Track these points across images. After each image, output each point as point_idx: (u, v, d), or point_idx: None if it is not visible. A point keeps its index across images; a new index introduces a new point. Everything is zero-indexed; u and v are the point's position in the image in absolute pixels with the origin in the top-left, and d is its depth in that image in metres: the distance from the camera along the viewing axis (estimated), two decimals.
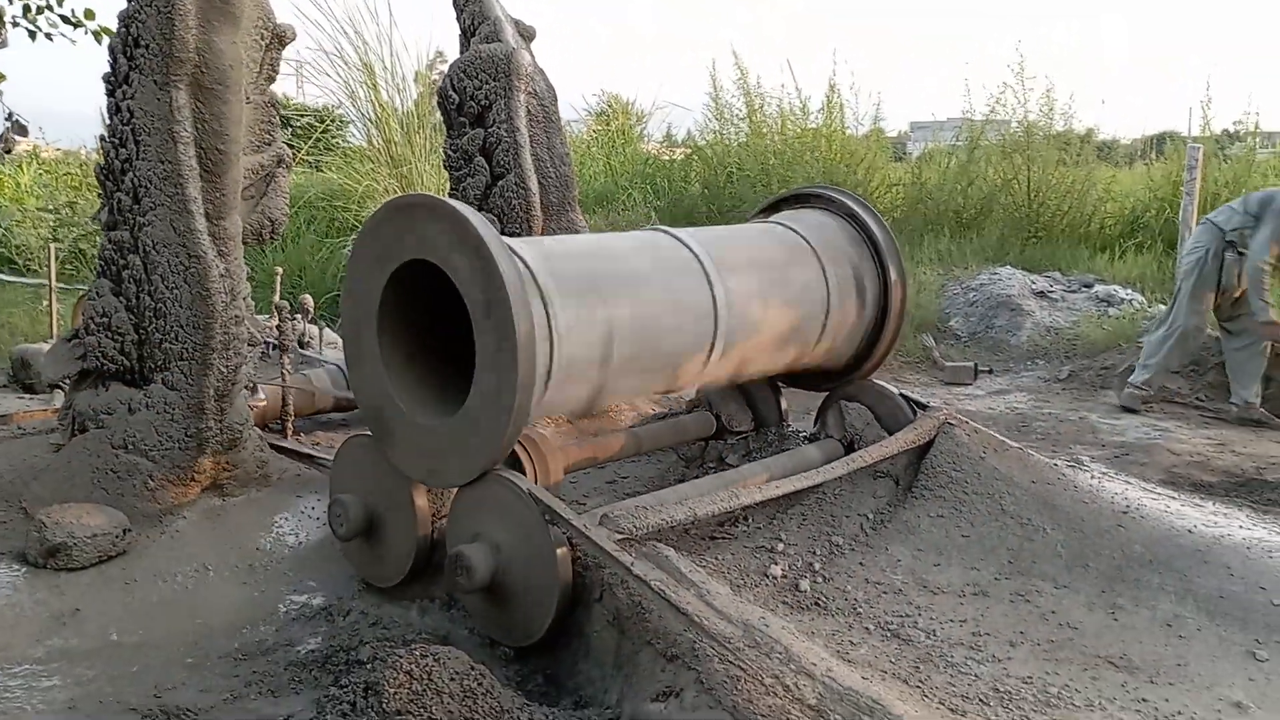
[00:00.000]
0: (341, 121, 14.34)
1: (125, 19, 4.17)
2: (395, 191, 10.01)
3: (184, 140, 4.08)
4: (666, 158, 14.43)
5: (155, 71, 4.05)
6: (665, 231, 3.99)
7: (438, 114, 11.38)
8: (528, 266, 3.29)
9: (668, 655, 2.63)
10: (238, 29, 4.24)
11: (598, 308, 3.46)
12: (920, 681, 2.78)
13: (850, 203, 4.51)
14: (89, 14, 6.61)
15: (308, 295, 7.11)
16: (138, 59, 4.09)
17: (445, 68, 11.60)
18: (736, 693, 2.41)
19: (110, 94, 4.26)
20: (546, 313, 3.25)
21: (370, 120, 10.81)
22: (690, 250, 3.86)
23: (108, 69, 4.28)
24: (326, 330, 6.79)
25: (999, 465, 3.86)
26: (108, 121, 4.30)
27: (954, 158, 11.94)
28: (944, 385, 7.40)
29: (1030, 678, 2.84)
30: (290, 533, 4.14)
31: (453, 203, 3.22)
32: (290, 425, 5.16)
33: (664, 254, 3.82)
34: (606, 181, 12.26)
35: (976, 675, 2.85)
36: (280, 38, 4.66)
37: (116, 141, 4.23)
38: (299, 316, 6.52)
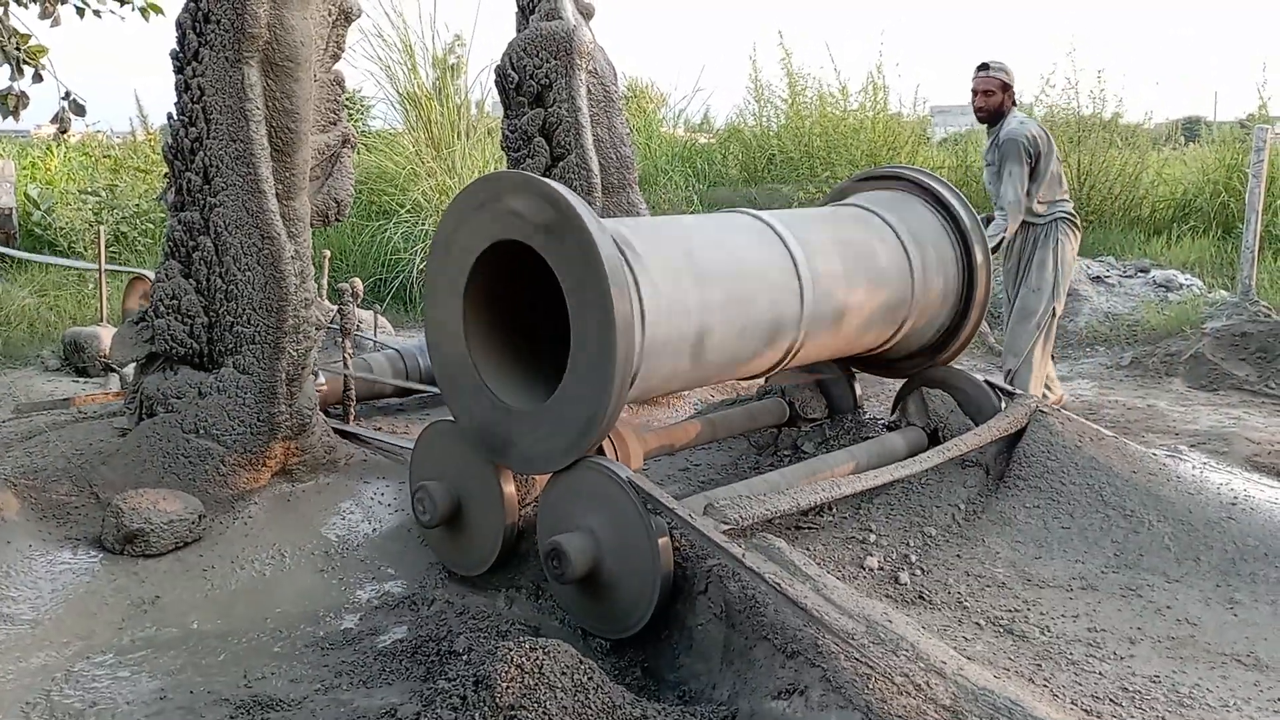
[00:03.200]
0: (365, 105, 14.27)
1: None
2: (438, 174, 9.91)
3: (256, 119, 3.99)
4: (702, 141, 14.29)
5: (226, 48, 3.96)
6: (749, 214, 3.88)
7: (476, 95, 11.35)
8: (620, 248, 3.18)
9: (787, 651, 2.53)
10: (308, 4, 4.14)
11: (689, 290, 3.35)
12: (1045, 680, 2.67)
13: (932, 183, 4.38)
14: None
15: (357, 279, 7.05)
16: (208, 35, 4.00)
17: (464, 51, 11.48)
18: (868, 692, 2.31)
19: (179, 71, 4.18)
20: (639, 295, 3.15)
21: (409, 101, 10.70)
22: (776, 233, 3.75)
23: (175, 45, 4.20)
24: (380, 317, 6.72)
25: (1097, 455, 3.74)
26: (176, 99, 4.21)
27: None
28: (1002, 371, 7.24)
29: (1158, 677, 2.73)
30: (362, 519, 4.07)
31: (547, 181, 3.12)
32: (353, 410, 5.08)
33: (751, 236, 3.71)
34: (646, 164, 12.12)
35: (1101, 674, 2.74)
36: (346, 14, 4.56)
37: (186, 120, 4.14)
38: (351, 301, 6.45)
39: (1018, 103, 5.67)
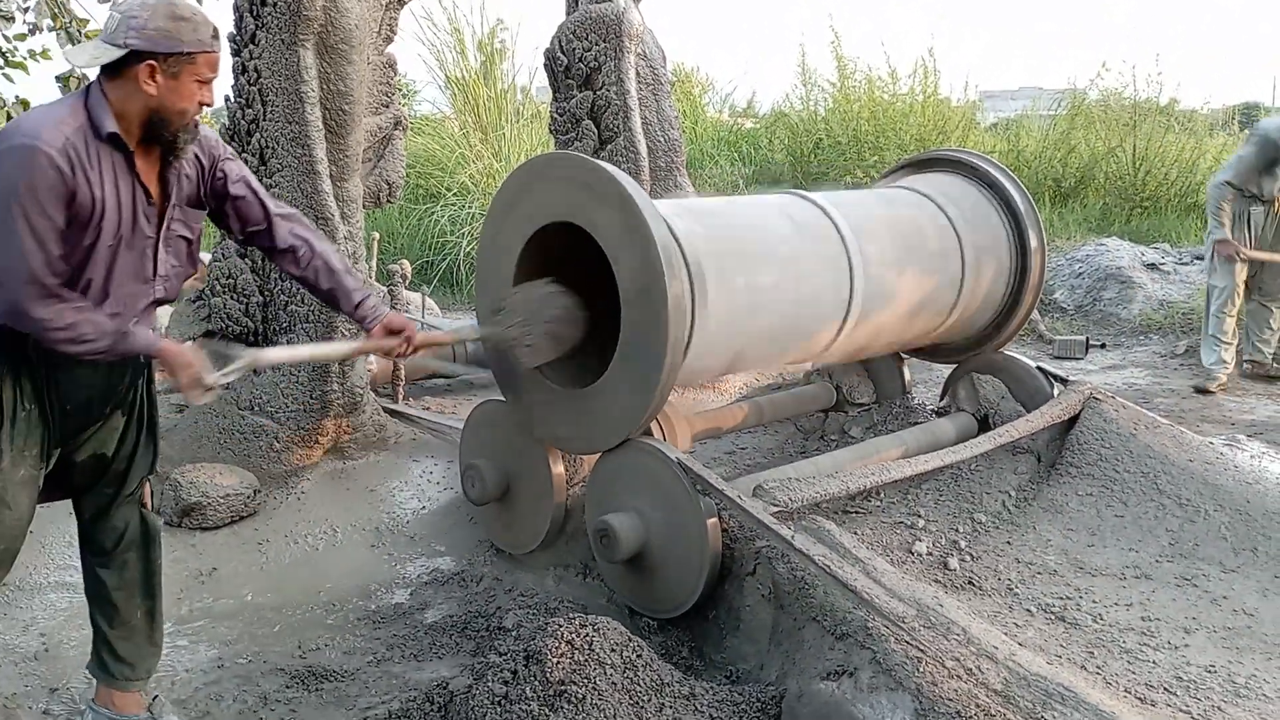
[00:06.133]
0: (411, 90, 14.33)
1: None
2: (485, 158, 9.96)
3: (311, 100, 4.04)
4: (748, 125, 14.21)
5: (283, 30, 4.00)
6: (801, 195, 3.85)
7: (523, 79, 11.38)
8: (670, 228, 3.18)
9: (836, 633, 2.53)
10: None
11: (739, 273, 3.34)
12: (1098, 668, 2.65)
13: (986, 166, 4.32)
14: None
15: (406, 261, 7.11)
16: (265, 18, 4.05)
17: (507, 35, 11.51)
18: (918, 674, 2.30)
19: (236, 54, 4.23)
20: (689, 276, 3.14)
21: (457, 84, 10.74)
22: (827, 215, 3.73)
23: (233, 29, 4.25)
24: (427, 299, 6.77)
25: (1152, 442, 3.68)
26: (233, 82, 4.27)
27: (1054, 125, 11.54)
28: (1053, 359, 7.14)
29: (1213, 666, 2.69)
30: (412, 496, 4.12)
31: (599, 162, 3.13)
32: (402, 390, 5.14)
33: (801, 219, 3.68)
34: (692, 149, 12.08)
35: (1154, 663, 2.70)
36: None
37: (243, 102, 4.20)
38: (401, 282, 6.52)
39: None
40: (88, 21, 5.94)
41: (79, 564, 3.52)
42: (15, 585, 3.33)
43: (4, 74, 6.02)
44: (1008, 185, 4.22)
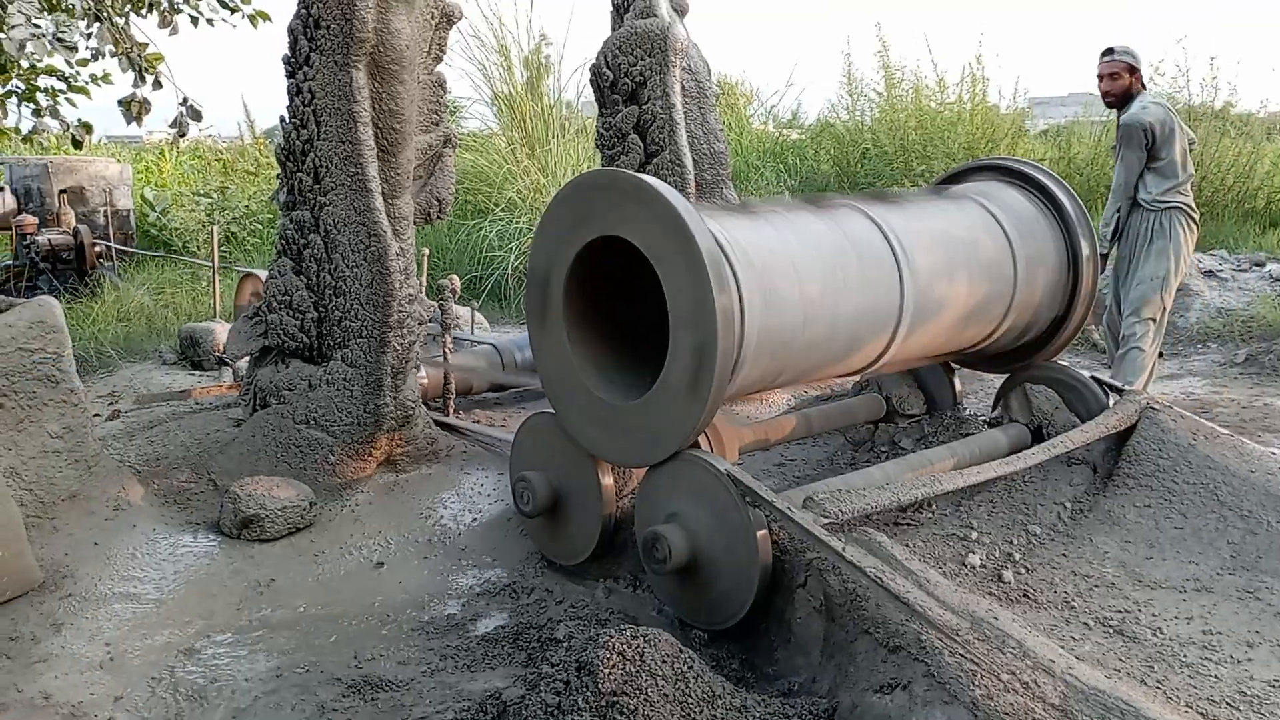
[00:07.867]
0: (457, 105, 14.51)
1: (306, 0, 4.23)
2: (532, 173, 10.05)
3: (364, 120, 4.12)
4: (794, 136, 14.17)
5: (336, 52, 4.09)
6: (849, 204, 3.84)
7: (570, 94, 11.48)
8: (718, 241, 3.19)
9: (889, 646, 2.52)
10: (413, 8, 4.26)
11: (787, 285, 3.34)
12: (1158, 682, 2.60)
13: (1037, 174, 4.28)
14: None
15: (455, 276, 7.19)
16: (318, 40, 4.14)
17: (551, 50, 11.60)
18: (974, 687, 2.28)
19: (291, 75, 4.33)
20: (739, 290, 3.15)
21: (504, 101, 10.86)
22: (876, 224, 3.71)
23: (287, 51, 4.36)
24: (476, 313, 6.85)
25: (1211, 453, 3.61)
26: (288, 103, 4.37)
27: (1106, 131, 11.37)
28: (1108, 368, 7.02)
29: (1277, 681, 2.63)
30: (464, 509, 4.17)
31: (646, 178, 3.15)
32: (452, 403, 5.20)
33: (850, 228, 3.67)
34: (737, 161, 12.09)
35: (1217, 677, 2.65)
36: (448, 16, 4.67)
37: (298, 123, 4.30)
38: (450, 297, 6.60)
39: (1146, 86, 5.53)
40: (147, 46, 6.12)
41: (142, 574, 3.64)
42: (81, 595, 3.41)
43: (67, 99, 6.22)
44: (1059, 193, 4.18)
